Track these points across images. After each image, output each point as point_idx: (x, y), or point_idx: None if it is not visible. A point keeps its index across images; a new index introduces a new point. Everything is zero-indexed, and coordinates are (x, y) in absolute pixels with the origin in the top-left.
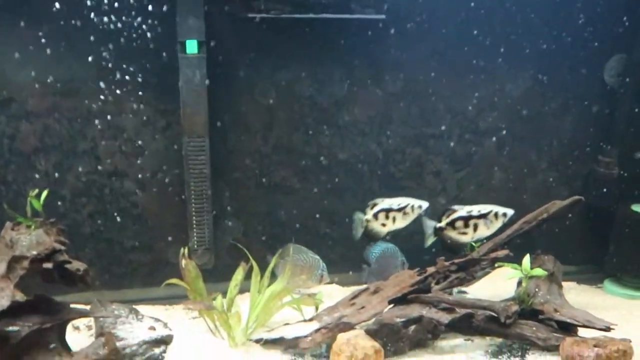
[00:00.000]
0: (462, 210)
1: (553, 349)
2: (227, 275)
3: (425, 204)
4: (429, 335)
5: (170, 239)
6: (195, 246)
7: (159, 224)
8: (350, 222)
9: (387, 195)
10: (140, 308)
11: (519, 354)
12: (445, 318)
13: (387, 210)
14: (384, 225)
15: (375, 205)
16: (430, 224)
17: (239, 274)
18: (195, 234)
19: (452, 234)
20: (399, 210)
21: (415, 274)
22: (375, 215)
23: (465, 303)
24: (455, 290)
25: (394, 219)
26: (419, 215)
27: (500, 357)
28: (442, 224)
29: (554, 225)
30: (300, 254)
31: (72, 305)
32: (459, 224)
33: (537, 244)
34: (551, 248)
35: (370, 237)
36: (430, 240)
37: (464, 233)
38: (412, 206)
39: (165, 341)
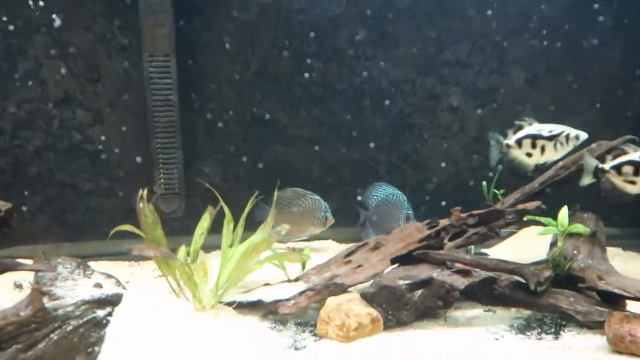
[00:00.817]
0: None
1: (595, 325)
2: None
3: (583, 135)
4: (440, 302)
5: (135, 182)
6: (162, 190)
7: (121, 163)
8: (348, 167)
9: (389, 136)
10: (99, 264)
11: (552, 330)
12: (460, 282)
13: (535, 137)
14: (529, 155)
15: (520, 128)
16: (591, 162)
17: (205, 220)
18: (161, 176)
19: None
20: (550, 138)
21: (425, 227)
22: (519, 142)
23: (486, 264)
24: (472, 250)
25: (542, 149)
26: (574, 147)
27: (528, 333)
28: (608, 165)
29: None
30: (298, 198)
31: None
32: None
33: (573, 201)
34: (590, 207)
35: (513, 169)
36: (588, 180)
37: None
38: (567, 135)
39: (111, 302)
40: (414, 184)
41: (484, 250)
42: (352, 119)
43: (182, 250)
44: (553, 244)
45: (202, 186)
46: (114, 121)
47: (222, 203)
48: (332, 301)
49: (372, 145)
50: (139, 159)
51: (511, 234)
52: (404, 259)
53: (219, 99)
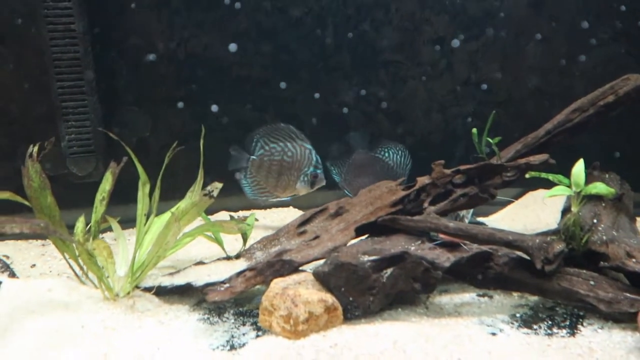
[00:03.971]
0: None
1: (624, 318)
2: (129, 196)
3: None
4: (418, 285)
5: (36, 136)
6: (70, 148)
7: (18, 112)
8: (313, 116)
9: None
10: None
11: (567, 323)
12: (445, 259)
13: None
14: None
15: None
16: None
17: (106, 182)
18: (68, 130)
19: None
20: None
21: (399, 187)
22: None
23: (476, 234)
24: (466, 217)
25: None
26: None
27: (535, 327)
28: None
29: (621, 125)
30: (284, 141)
31: None
32: None
33: (590, 157)
34: (613, 167)
35: None
36: None
37: None
38: None
39: None
40: (390, 137)
41: (481, 220)
42: (312, 55)
43: (80, 223)
44: (566, 210)
45: (133, 143)
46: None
47: (135, 163)
48: (276, 284)
49: (339, 89)
50: (41, 110)
51: (509, 202)
52: (373, 229)
53: (143, 30)
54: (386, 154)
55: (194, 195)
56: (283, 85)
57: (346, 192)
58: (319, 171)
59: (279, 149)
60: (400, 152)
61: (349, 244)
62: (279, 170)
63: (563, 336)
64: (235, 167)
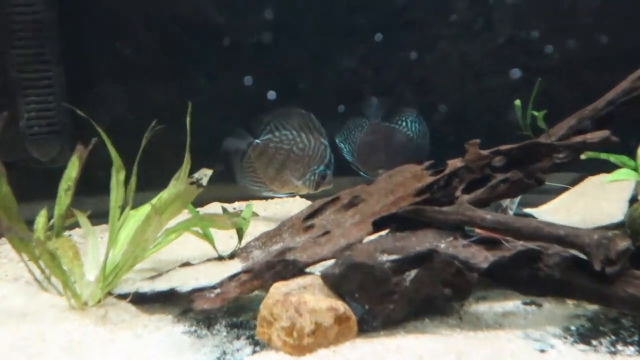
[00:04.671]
0: None
1: None
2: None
3: None
4: (449, 291)
5: None
6: (30, 128)
7: None
8: (317, 87)
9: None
10: None
11: (635, 339)
12: (482, 258)
13: None
14: None
15: None
16: None
17: (72, 168)
18: (25, 105)
19: None
20: None
21: (425, 171)
22: None
23: (520, 229)
24: (510, 208)
25: None
26: None
27: (594, 343)
28: None
29: None
30: (298, 130)
31: None
32: None
33: None
34: None
35: None
36: None
37: None
38: None
39: None
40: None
41: (528, 211)
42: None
43: (41, 217)
44: (633, 200)
45: (106, 122)
46: None
47: (108, 146)
48: (277, 290)
49: (348, 57)
50: None
51: (565, 189)
52: (395, 222)
53: None
54: (403, 123)
55: (178, 183)
56: (287, 51)
57: (361, 173)
58: (329, 172)
59: (290, 137)
60: (419, 120)
61: (365, 240)
62: (283, 162)
63: (630, 355)
64: (230, 148)
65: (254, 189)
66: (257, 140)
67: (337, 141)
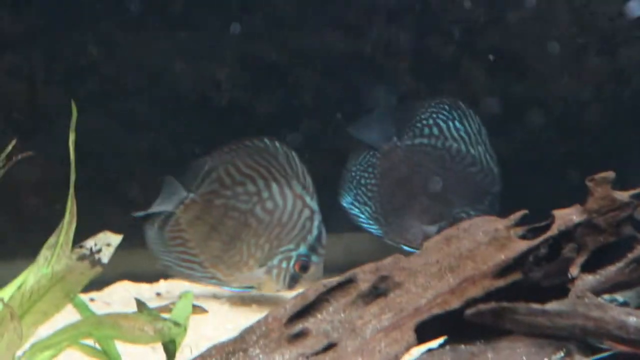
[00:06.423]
0: None
1: None
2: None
3: None
4: None
5: None
6: None
7: None
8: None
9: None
10: None
11: None
12: None
13: None
14: None
15: None
16: None
17: None
18: None
19: None
20: None
21: (511, 230)
22: None
23: None
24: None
25: None
26: None
27: None
28: None
29: None
30: (259, 178)
31: None
32: None
33: None
34: None
35: None
36: None
37: None
38: None
39: None
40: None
41: None
42: None
43: None
44: None
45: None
46: None
47: None
48: None
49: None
50: None
51: None
52: (456, 327)
53: None
54: (445, 129)
55: (56, 256)
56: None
57: (391, 242)
58: (314, 259)
59: (251, 189)
60: (465, 115)
61: None
62: (235, 231)
63: None
64: (159, 209)
65: (181, 273)
66: (192, 195)
67: (344, 204)
